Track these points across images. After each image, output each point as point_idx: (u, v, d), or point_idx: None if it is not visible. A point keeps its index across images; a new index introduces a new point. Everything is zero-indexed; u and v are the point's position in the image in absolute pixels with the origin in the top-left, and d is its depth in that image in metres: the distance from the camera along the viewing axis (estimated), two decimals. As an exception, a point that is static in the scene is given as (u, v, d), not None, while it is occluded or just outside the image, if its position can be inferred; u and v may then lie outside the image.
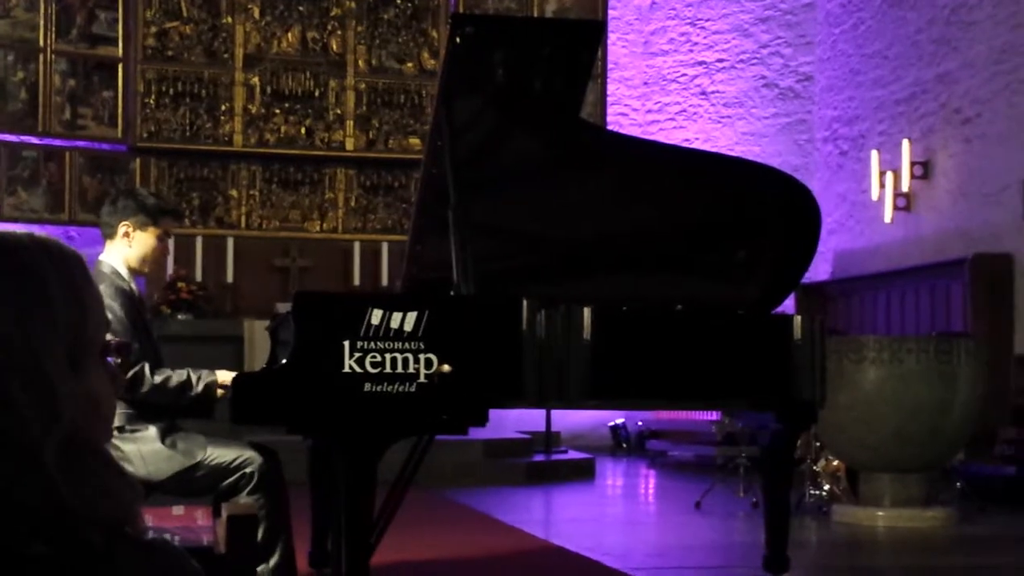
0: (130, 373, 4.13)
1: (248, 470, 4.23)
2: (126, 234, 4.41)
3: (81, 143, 10.82)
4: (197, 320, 10.16)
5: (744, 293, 4.70)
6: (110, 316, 3.94)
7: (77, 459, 1.12)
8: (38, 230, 8.65)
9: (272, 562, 4.27)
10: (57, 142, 10.71)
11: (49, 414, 1.11)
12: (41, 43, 10.57)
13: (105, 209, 4.55)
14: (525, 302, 3.90)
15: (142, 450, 4.21)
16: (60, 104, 10.67)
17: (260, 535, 4.21)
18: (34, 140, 10.64)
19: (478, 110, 4.40)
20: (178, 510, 3.45)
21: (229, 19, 10.94)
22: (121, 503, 1.14)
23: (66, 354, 1.15)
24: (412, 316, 3.69)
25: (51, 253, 1.18)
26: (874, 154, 11.63)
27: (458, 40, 4.01)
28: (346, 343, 3.63)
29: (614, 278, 4.76)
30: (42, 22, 10.54)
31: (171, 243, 10.01)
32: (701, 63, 13.31)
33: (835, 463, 7.75)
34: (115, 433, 4.20)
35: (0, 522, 1.07)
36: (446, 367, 3.70)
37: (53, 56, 10.61)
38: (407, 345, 3.67)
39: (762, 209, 4.71)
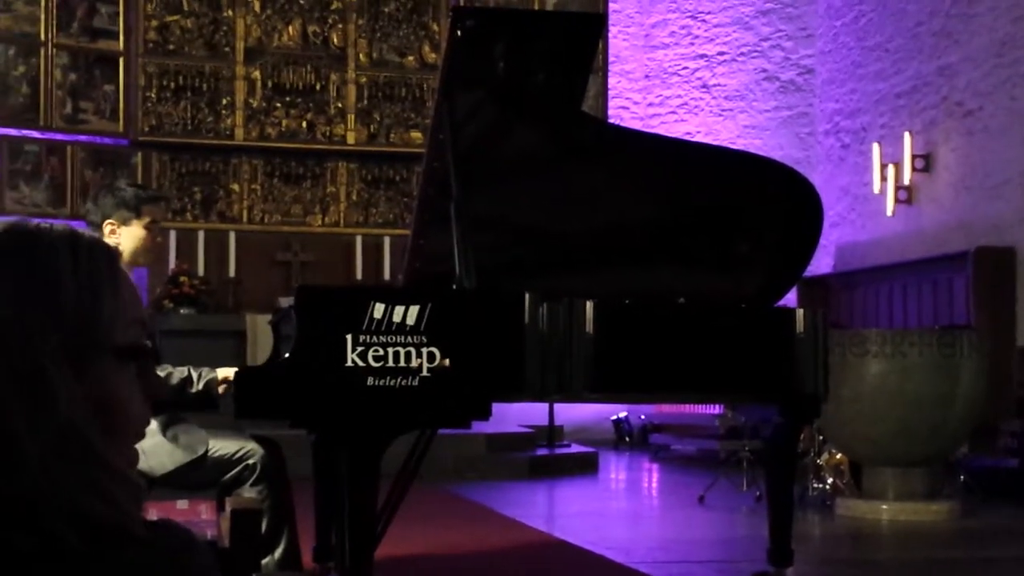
0: None
1: (250, 462, 4.22)
2: (112, 231, 4.32)
3: (83, 137, 10.82)
4: (199, 315, 10.15)
5: (746, 286, 4.70)
6: None
7: (69, 458, 1.08)
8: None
9: (277, 553, 4.28)
10: (59, 136, 10.70)
11: (41, 410, 1.07)
12: (42, 37, 10.56)
13: (89, 208, 4.47)
14: (527, 295, 3.90)
15: (144, 444, 4.17)
16: (61, 98, 10.67)
17: (264, 527, 4.21)
18: (36, 134, 10.64)
19: (479, 103, 4.40)
20: (182, 504, 3.45)
21: (230, 12, 10.93)
22: (117, 507, 1.10)
23: (71, 350, 1.10)
24: (414, 310, 3.68)
25: (77, 247, 1.15)
26: (875, 147, 11.61)
27: (459, 33, 4.00)
28: (348, 337, 3.62)
29: (616, 271, 4.75)
30: (43, 16, 10.53)
31: (172, 234, 10.17)
32: (702, 56, 13.30)
33: (838, 457, 7.75)
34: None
35: None
36: (448, 361, 3.70)
37: (54, 50, 10.61)
38: (409, 339, 3.67)
39: (764, 202, 4.70)
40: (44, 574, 1.05)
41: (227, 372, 4.13)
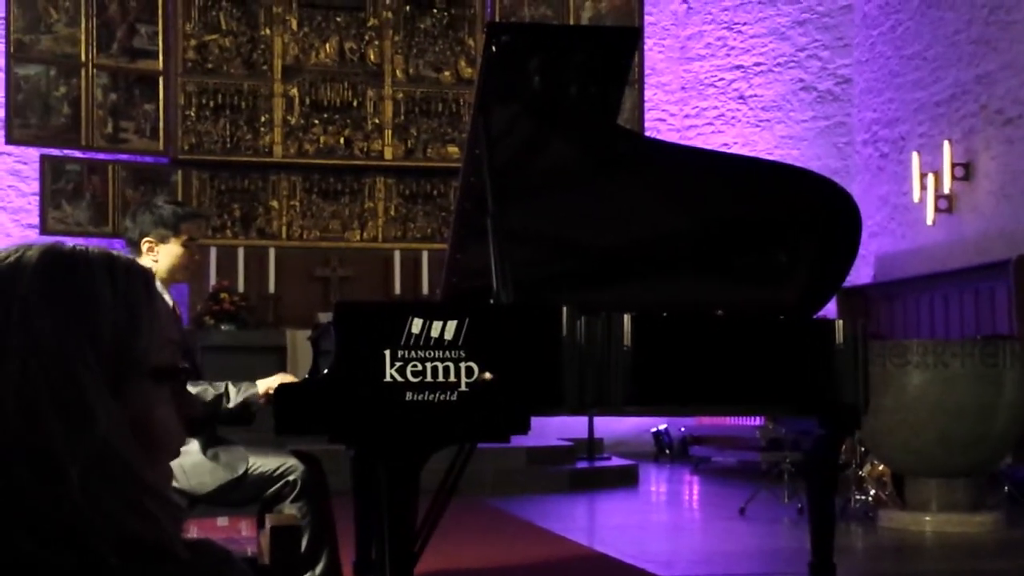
0: None
1: (291, 478, 4.24)
2: (150, 249, 4.36)
3: (123, 156, 10.91)
4: (240, 331, 10.21)
5: (784, 297, 4.69)
6: None
7: (108, 478, 1.08)
8: (82, 243, 8.75)
9: (318, 570, 4.28)
10: (100, 155, 10.80)
11: (80, 430, 1.08)
12: (83, 58, 10.67)
13: (127, 225, 4.51)
14: (565, 309, 3.90)
15: (184, 464, 4.23)
16: (102, 118, 10.77)
17: (304, 543, 4.22)
18: (77, 154, 10.74)
19: (515, 118, 4.41)
20: (223, 521, 3.47)
21: (267, 31, 11.01)
22: (156, 526, 1.11)
23: (109, 371, 1.12)
24: (452, 325, 3.69)
25: (115, 270, 1.16)
26: (915, 156, 11.54)
27: (494, 49, 4.02)
28: (387, 352, 3.64)
29: (653, 284, 4.75)
30: (83, 37, 10.64)
31: (212, 251, 10.23)
32: (738, 67, 13.27)
33: (881, 468, 7.70)
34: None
35: (19, 527, 1.05)
36: (487, 375, 3.71)
37: (95, 70, 10.71)
38: (448, 354, 3.68)
39: (801, 213, 4.69)
40: None
41: (268, 385, 4.13)
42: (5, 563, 1.04)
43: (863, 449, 7.71)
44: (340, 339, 3.70)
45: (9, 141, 10.63)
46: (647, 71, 12.23)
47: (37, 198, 10.75)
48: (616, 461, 10.69)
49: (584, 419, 10.31)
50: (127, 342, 1.14)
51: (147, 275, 1.20)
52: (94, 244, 1.23)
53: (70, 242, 1.22)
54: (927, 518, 7.25)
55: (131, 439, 1.12)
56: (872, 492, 7.70)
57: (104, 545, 1.06)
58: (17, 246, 1.16)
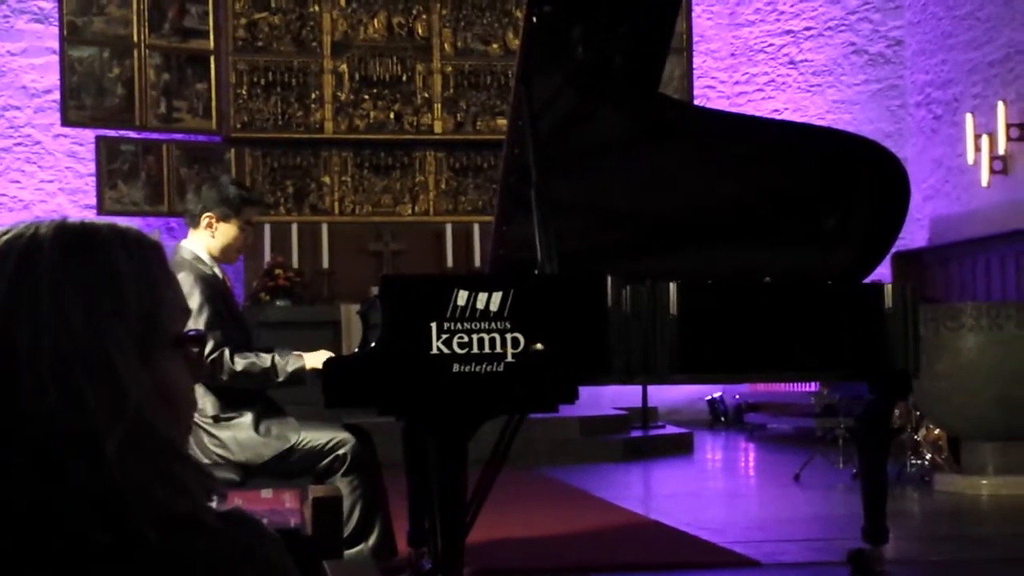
0: (208, 359, 4.17)
1: (341, 452, 4.30)
2: (209, 224, 4.47)
3: (177, 135, 11.01)
4: (295, 306, 10.30)
5: (833, 263, 4.68)
6: (192, 306, 4.03)
7: (142, 450, 1.11)
8: (139, 222, 8.83)
9: (371, 541, 4.35)
10: (154, 135, 10.90)
11: (114, 403, 1.10)
12: (135, 38, 10.76)
13: (189, 198, 4.62)
14: (609, 279, 3.92)
15: (238, 437, 4.30)
16: (156, 98, 10.86)
17: (357, 516, 4.29)
18: (132, 134, 10.85)
19: (558, 89, 4.42)
20: (267, 493, 3.53)
21: (316, 8, 11.05)
22: (190, 496, 1.13)
23: (136, 343, 1.14)
24: (497, 296, 3.72)
25: (127, 242, 1.18)
26: (968, 117, 11.40)
27: (535, 19, 4.03)
28: (433, 325, 3.68)
29: (699, 252, 4.76)
30: (135, 18, 10.73)
31: (266, 228, 10.32)
32: (788, 32, 13.15)
33: (936, 432, 7.66)
34: (210, 421, 4.30)
35: (60, 508, 1.07)
36: (534, 346, 3.74)
37: (147, 51, 10.80)
38: (493, 325, 3.71)
39: (849, 178, 4.67)
40: (118, 567, 1.08)
41: (315, 362, 4.19)
42: (45, 546, 1.07)
43: (918, 413, 7.68)
44: (387, 312, 3.75)
45: (65, 123, 10.76)
46: (696, 38, 12.16)
47: (94, 179, 10.88)
48: (670, 429, 10.70)
49: (638, 388, 10.32)
50: (150, 313, 1.16)
51: (157, 244, 1.23)
52: (131, 222, 1.26)
53: (124, 221, 1.24)
54: (983, 482, 7.21)
55: (161, 409, 1.15)
56: (928, 456, 7.67)
57: (141, 519, 1.08)
58: (27, 223, 1.18)
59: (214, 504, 1.18)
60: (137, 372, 1.13)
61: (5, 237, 1.16)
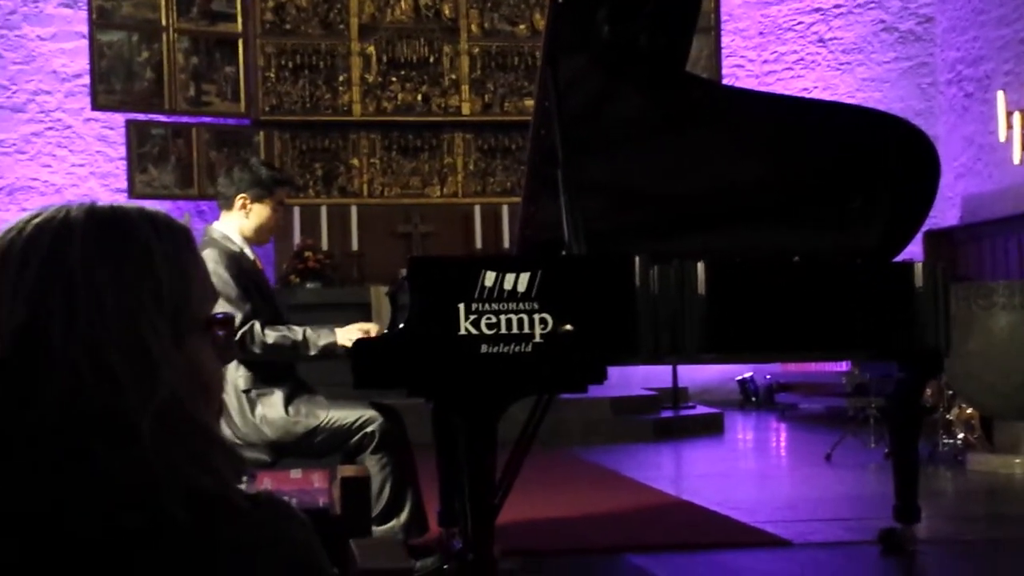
0: (239, 333, 4.21)
1: (369, 429, 4.33)
2: (243, 206, 4.52)
3: (206, 119, 11.05)
4: (325, 288, 10.35)
5: (862, 241, 4.66)
6: (217, 282, 4.06)
7: (174, 432, 1.12)
8: (169, 205, 8.87)
9: (403, 518, 4.37)
10: (183, 119, 10.95)
11: (147, 385, 1.11)
12: (163, 22, 10.79)
13: (221, 181, 4.66)
14: (637, 259, 3.91)
15: (268, 415, 4.33)
16: (184, 81, 10.90)
17: (388, 492, 4.32)
18: (162, 118, 10.89)
19: (583, 69, 4.41)
20: (296, 474, 3.54)
21: (343, -10, 11.05)
22: (220, 477, 1.14)
23: (168, 325, 1.15)
24: (525, 277, 3.72)
25: (157, 226, 1.19)
26: (1000, 95, 11.31)
27: (561, 0, 4.02)
28: (461, 306, 3.68)
29: (727, 232, 4.74)
30: (163, 2, 10.76)
31: (296, 211, 10.35)
32: (817, 9, 13.06)
33: (968, 411, 7.62)
34: (242, 396, 4.33)
35: (94, 493, 1.08)
36: (562, 326, 3.73)
37: (175, 35, 10.84)
38: (521, 306, 3.71)
39: (878, 156, 4.64)
40: (147, 550, 1.09)
41: (348, 336, 4.20)
42: (73, 532, 1.08)
43: (950, 392, 7.64)
44: (414, 294, 3.75)
45: (95, 107, 10.81)
46: (724, 17, 12.09)
47: (124, 162, 10.94)
48: (701, 410, 10.69)
49: (668, 369, 10.32)
50: (182, 295, 1.18)
51: (186, 230, 1.24)
52: (159, 206, 1.26)
53: (154, 205, 1.25)
54: (1016, 460, 7.17)
55: (192, 391, 1.16)
56: (960, 435, 7.63)
57: (173, 501, 1.09)
58: (57, 207, 1.19)
59: (244, 486, 1.18)
60: (170, 354, 1.14)
61: (36, 220, 1.17)
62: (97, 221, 1.17)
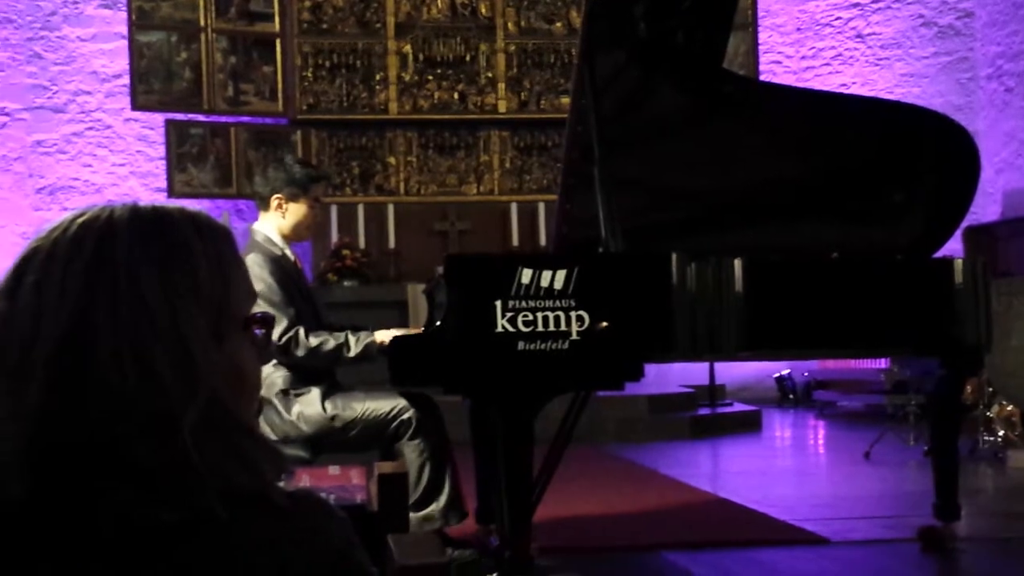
0: (284, 338, 4.26)
1: (405, 417, 4.36)
2: (279, 205, 4.55)
3: (244, 118, 11.10)
4: (362, 286, 10.39)
5: (901, 238, 4.63)
6: (260, 286, 4.09)
7: (215, 430, 1.13)
8: (208, 204, 8.90)
9: (441, 501, 4.39)
10: (222, 119, 11.00)
11: (189, 384, 1.12)
12: (202, 23, 10.85)
13: (257, 181, 4.70)
14: (674, 256, 3.91)
15: (305, 412, 4.36)
16: (223, 81, 10.95)
17: (426, 477, 4.35)
18: (200, 117, 10.95)
19: (620, 66, 4.40)
20: (334, 470, 3.56)
21: (379, -11, 11.08)
22: (260, 475, 1.15)
23: (209, 325, 1.16)
24: (562, 274, 3.72)
25: (199, 226, 1.21)
26: (1042, 89, 11.21)
27: (597, -3, 4.02)
28: (498, 303, 3.69)
29: (765, 228, 4.73)
30: (201, 2, 10.81)
31: (333, 209, 10.39)
32: (855, 5, 12.98)
33: (1009, 408, 7.57)
34: (280, 396, 4.36)
35: (133, 489, 1.09)
36: (599, 323, 3.73)
37: (214, 35, 10.89)
38: (558, 303, 3.72)
39: (916, 151, 4.62)
40: (187, 545, 1.10)
41: (385, 336, 4.25)
42: (112, 529, 1.09)
43: (991, 389, 7.59)
44: (451, 291, 3.76)
45: (135, 107, 10.88)
46: (761, 13, 12.04)
47: (163, 162, 11.01)
48: (738, 407, 10.65)
49: (705, 366, 10.29)
50: (223, 295, 1.19)
51: (226, 229, 1.25)
52: (199, 206, 1.28)
53: (193, 204, 1.26)
54: (1057, 458, 7.12)
55: (233, 389, 1.17)
56: (1001, 433, 7.57)
57: (213, 499, 1.10)
58: (100, 207, 1.21)
59: (282, 483, 1.19)
60: (211, 353, 1.16)
61: (80, 220, 1.18)
62: (140, 222, 1.19)
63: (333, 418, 4.36)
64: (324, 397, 4.40)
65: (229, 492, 1.11)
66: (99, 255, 1.15)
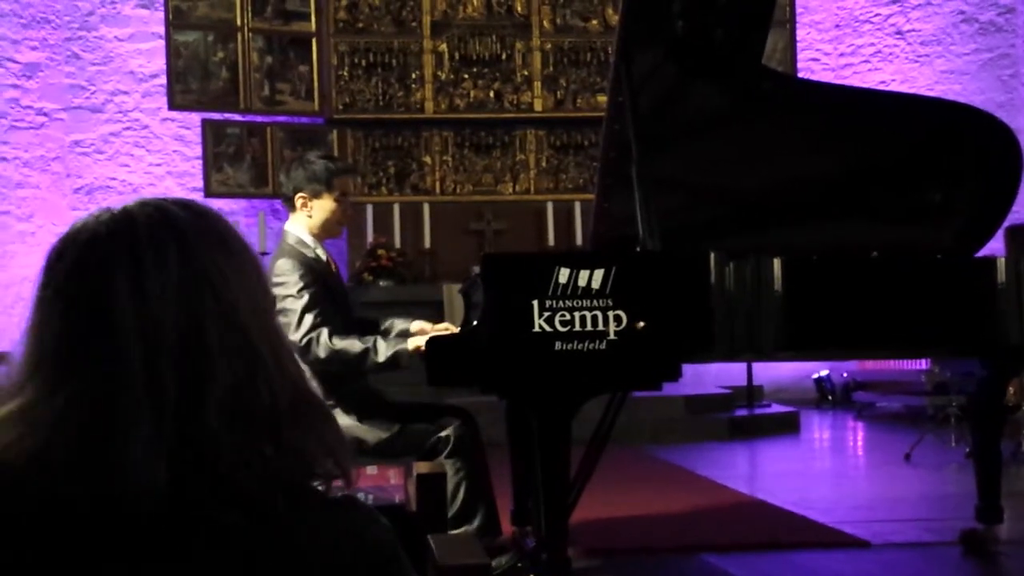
0: (304, 339, 4.14)
1: (444, 434, 4.27)
2: (304, 204, 4.40)
3: (281, 118, 11.12)
4: (397, 286, 10.38)
5: (941, 237, 4.58)
6: (289, 288, 4.05)
7: (303, 417, 1.16)
8: (244, 204, 8.88)
9: (475, 523, 4.32)
10: (258, 118, 11.02)
11: (285, 376, 1.16)
12: (238, 22, 10.88)
13: (281, 181, 4.58)
14: (712, 255, 3.87)
15: (342, 422, 4.31)
16: (259, 81, 10.98)
17: (461, 498, 4.26)
18: (237, 117, 10.98)
19: (657, 64, 4.37)
20: (372, 470, 3.55)
21: (415, -12, 11.08)
22: (343, 460, 1.19)
23: (270, 312, 1.21)
24: (599, 274, 3.69)
25: (222, 218, 1.23)
26: (1085, 86, 11.07)
27: (635, -7, 3.99)
28: (535, 303, 3.66)
29: (804, 227, 4.68)
30: (238, 2, 10.84)
31: (368, 209, 10.39)
32: (895, 1, 12.88)
33: (1051, 410, 7.48)
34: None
35: (207, 492, 1.11)
36: (637, 323, 3.70)
37: (250, 34, 10.92)
38: (596, 303, 3.69)
39: (958, 149, 4.56)
40: (245, 540, 1.12)
41: (418, 341, 4.14)
42: (180, 530, 1.10)
43: (1033, 391, 7.50)
44: (488, 291, 3.74)
45: (172, 107, 10.92)
46: (799, 10, 11.96)
47: (200, 162, 11.04)
48: (776, 408, 10.58)
49: (743, 367, 10.22)
50: (264, 286, 1.22)
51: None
52: (236, 205, 1.28)
53: (232, 204, 1.28)
54: (1101, 461, 7.02)
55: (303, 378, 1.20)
56: (1043, 435, 7.49)
57: (272, 495, 1.12)
58: (136, 201, 1.22)
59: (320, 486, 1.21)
60: (288, 343, 1.20)
61: (130, 212, 1.19)
62: (199, 217, 1.20)
63: (370, 431, 4.29)
64: (360, 419, 4.29)
65: (289, 489, 1.13)
66: (186, 254, 1.16)
